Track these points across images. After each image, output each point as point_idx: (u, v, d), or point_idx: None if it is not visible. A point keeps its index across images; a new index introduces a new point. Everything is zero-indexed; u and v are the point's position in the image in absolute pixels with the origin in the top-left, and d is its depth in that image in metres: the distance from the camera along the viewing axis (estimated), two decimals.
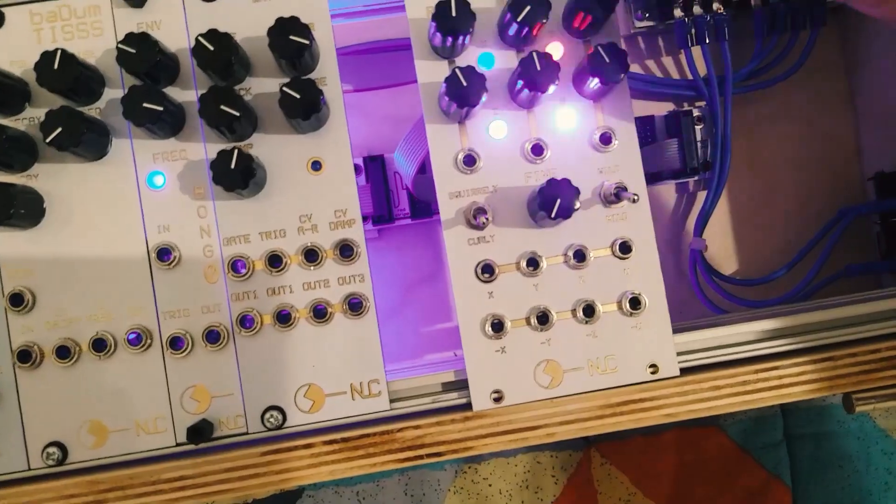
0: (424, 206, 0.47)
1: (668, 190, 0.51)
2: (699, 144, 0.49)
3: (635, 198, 0.32)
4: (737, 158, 0.50)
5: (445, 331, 0.50)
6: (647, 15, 0.47)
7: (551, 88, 0.32)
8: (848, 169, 0.51)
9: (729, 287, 0.48)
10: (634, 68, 0.51)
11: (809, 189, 0.51)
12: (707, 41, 0.47)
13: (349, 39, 0.43)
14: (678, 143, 0.48)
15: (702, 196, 0.50)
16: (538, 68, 0.31)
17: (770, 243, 0.51)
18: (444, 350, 0.50)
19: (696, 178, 0.49)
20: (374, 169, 0.48)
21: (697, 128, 0.49)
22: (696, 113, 0.49)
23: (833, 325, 0.35)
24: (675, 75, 0.51)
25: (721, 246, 0.51)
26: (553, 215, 0.31)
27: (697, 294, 0.49)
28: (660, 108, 0.50)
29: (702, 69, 0.48)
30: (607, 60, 0.31)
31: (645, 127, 0.48)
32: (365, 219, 0.48)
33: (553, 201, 0.31)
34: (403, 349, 0.50)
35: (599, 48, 0.32)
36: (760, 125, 0.51)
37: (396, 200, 0.48)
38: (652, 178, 0.49)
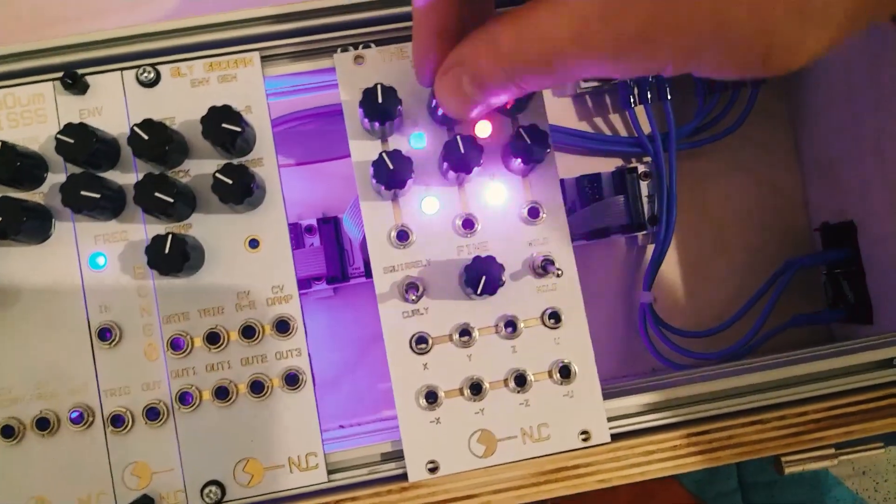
0: None
1: (618, 243, 0.52)
2: (646, 199, 0.50)
3: (559, 273, 0.34)
4: (685, 211, 0.51)
5: None
6: (591, 77, 0.48)
7: (475, 170, 0.33)
8: (795, 220, 0.52)
9: (678, 339, 0.49)
10: (582, 126, 0.52)
11: (757, 240, 0.52)
12: (650, 101, 0.48)
13: (289, 108, 0.44)
14: (625, 199, 0.49)
15: (651, 249, 0.51)
16: (461, 151, 0.32)
17: (720, 294, 0.52)
18: None
19: (644, 232, 0.50)
20: (327, 230, 0.49)
21: (644, 183, 0.50)
22: (641, 169, 0.50)
23: (762, 387, 0.36)
24: (624, 131, 0.52)
25: (671, 297, 0.52)
26: (479, 292, 0.32)
27: (647, 347, 0.50)
28: (608, 164, 0.52)
29: (646, 127, 0.49)
30: (528, 142, 0.33)
31: (592, 184, 0.50)
32: (319, 279, 0.49)
33: (478, 279, 0.32)
34: (361, 405, 0.51)
35: (521, 130, 0.33)
36: (707, 179, 0.52)
37: (351, 259, 0.49)
38: (600, 233, 0.50)
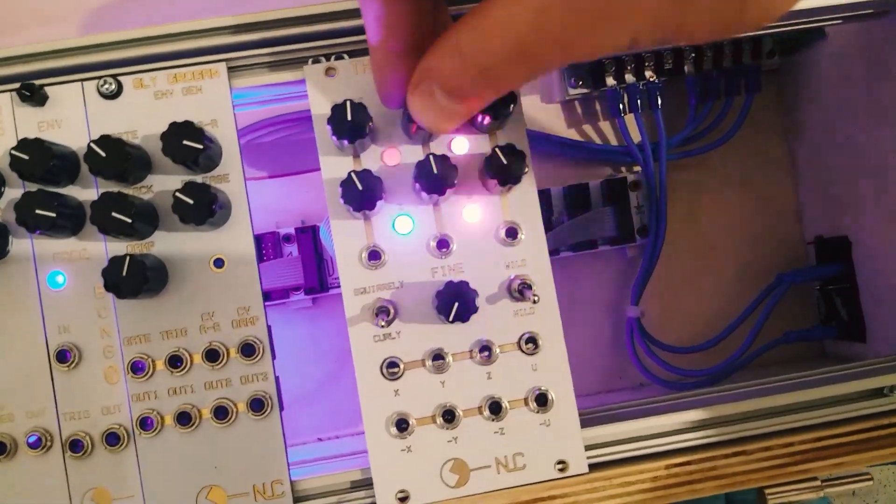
0: None
1: (605, 254, 0.51)
2: (635, 210, 0.49)
3: (535, 299, 0.32)
4: (675, 223, 0.50)
5: None
6: (580, 83, 0.47)
7: (448, 192, 0.31)
8: (788, 233, 0.51)
9: (666, 355, 0.48)
10: (571, 133, 0.51)
11: (749, 253, 0.51)
12: (640, 110, 0.47)
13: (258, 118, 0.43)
14: (611, 210, 0.48)
15: (639, 261, 0.50)
16: (434, 171, 0.31)
17: (709, 308, 0.50)
18: None
19: (633, 244, 0.49)
20: (305, 240, 0.47)
21: (633, 194, 0.49)
22: (631, 178, 0.48)
23: (747, 417, 0.35)
24: (613, 139, 0.51)
25: (660, 311, 0.50)
26: (451, 319, 0.31)
27: (634, 362, 0.48)
28: (597, 174, 0.50)
29: (636, 136, 0.48)
30: (505, 162, 0.31)
31: (580, 194, 0.48)
32: (297, 289, 0.48)
33: (451, 306, 0.31)
34: (340, 418, 0.50)
35: (497, 150, 0.31)
36: (699, 190, 0.51)
37: (330, 269, 0.48)
38: (588, 244, 0.48)
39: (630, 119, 0.47)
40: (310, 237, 0.47)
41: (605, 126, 0.51)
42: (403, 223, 0.34)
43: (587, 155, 0.50)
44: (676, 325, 0.50)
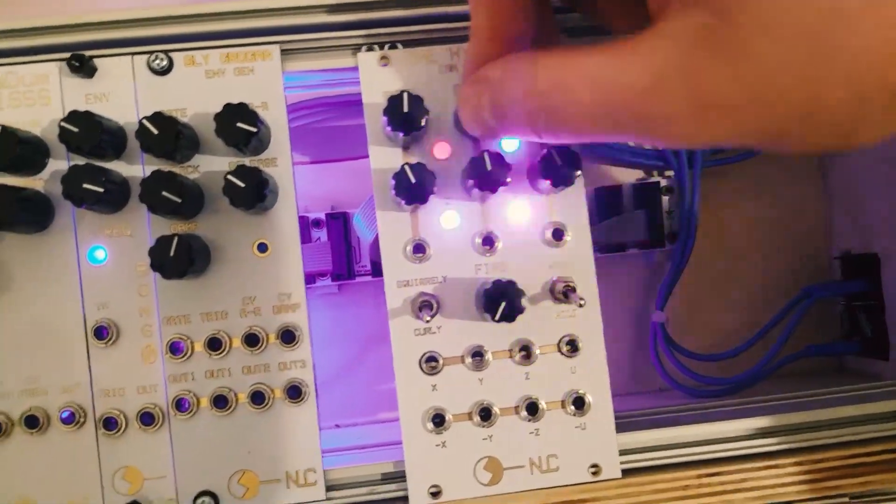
0: None
1: (633, 258, 0.51)
2: (666, 215, 0.49)
3: (582, 303, 0.32)
4: (704, 230, 0.50)
5: None
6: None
7: (501, 189, 0.31)
8: (815, 246, 0.51)
9: (688, 361, 0.48)
10: None
11: (776, 264, 0.51)
12: None
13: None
14: (644, 215, 0.48)
15: (667, 266, 0.50)
16: (488, 168, 0.31)
17: (733, 318, 0.50)
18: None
19: (661, 248, 0.49)
20: (335, 226, 0.47)
21: (665, 198, 0.49)
22: (663, 184, 0.48)
23: (779, 431, 0.35)
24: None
25: (684, 317, 0.50)
26: (497, 319, 0.31)
27: (656, 367, 0.48)
28: (628, 176, 0.50)
29: None
30: (559, 163, 0.31)
31: (612, 197, 0.48)
32: (324, 275, 0.48)
33: (497, 305, 0.31)
34: (359, 406, 0.49)
35: (553, 151, 0.31)
36: (730, 198, 0.51)
37: (358, 257, 0.48)
38: (617, 247, 0.48)
39: None
40: (340, 224, 0.47)
41: None
42: (450, 218, 0.34)
43: (620, 157, 0.49)
44: (700, 332, 0.50)
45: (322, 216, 0.47)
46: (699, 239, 0.49)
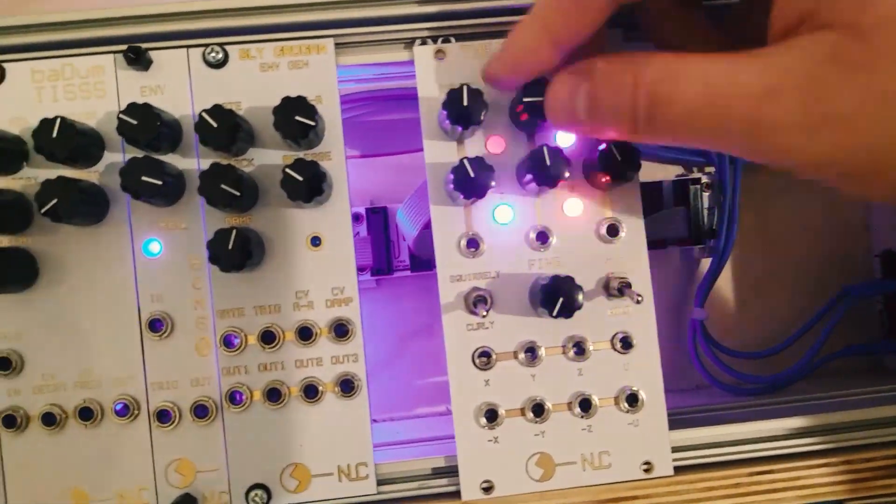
0: (424, 261, 0.47)
1: (672, 254, 0.50)
2: (706, 212, 0.48)
3: (639, 299, 0.32)
4: (744, 228, 0.49)
5: (438, 384, 0.50)
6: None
7: (559, 184, 0.31)
8: (856, 244, 0.51)
9: (727, 359, 0.48)
10: None
11: (816, 262, 0.50)
12: None
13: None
14: (685, 211, 0.48)
15: (706, 263, 0.50)
16: (548, 163, 0.30)
17: (772, 315, 0.50)
18: (436, 403, 0.49)
19: (701, 245, 0.48)
20: (375, 221, 0.47)
21: (705, 195, 0.48)
22: (704, 180, 0.48)
23: (829, 429, 0.35)
24: None
25: (723, 315, 0.50)
26: (555, 314, 0.31)
27: (695, 364, 0.48)
28: (668, 172, 0.50)
29: None
30: (619, 159, 0.31)
31: (653, 193, 0.48)
32: (363, 269, 0.47)
33: (555, 301, 0.31)
34: (395, 400, 0.49)
35: (612, 146, 0.31)
36: (769, 196, 0.50)
37: (397, 252, 0.48)
38: (658, 244, 0.48)
39: None
40: (381, 218, 0.47)
41: None
42: (504, 213, 0.34)
43: (660, 152, 0.49)
44: (739, 329, 0.50)
45: (362, 211, 0.47)
46: (739, 236, 0.48)
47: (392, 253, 0.48)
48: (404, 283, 0.49)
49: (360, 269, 0.48)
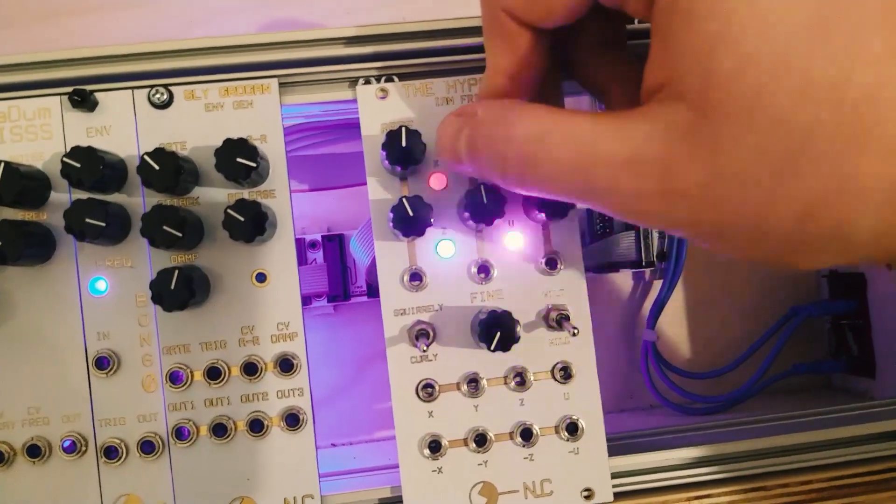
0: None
1: (624, 277, 0.51)
2: (656, 235, 0.49)
3: (575, 331, 0.33)
4: (693, 250, 0.50)
5: None
6: None
7: (496, 221, 0.32)
8: None
9: (678, 379, 0.49)
10: None
11: (764, 283, 0.52)
12: None
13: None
14: (635, 235, 0.49)
15: (657, 285, 0.51)
16: (484, 202, 0.31)
17: (723, 336, 0.51)
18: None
19: (652, 268, 0.49)
20: (331, 248, 0.48)
21: None
22: None
23: (766, 453, 0.36)
24: None
25: (674, 336, 0.51)
26: (493, 348, 0.32)
27: (647, 385, 0.49)
28: None
29: None
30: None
31: (604, 218, 0.49)
32: (320, 296, 0.48)
33: (493, 335, 0.31)
34: (355, 425, 0.50)
35: None
36: None
37: (353, 278, 0.49)
38: (609, 267, 0.49)
39: None
40: (336, 245, 0.47)
41: None
42: (446, 247, 0.34)
43: None
44: (689, 350, 0.51)
45: (318, 238, 0.48)
46: (688, 259, 0.49)
47: (349, 279, 0.48)
48: (361, 309, 0.50)
49: (317, 296, 0.48)
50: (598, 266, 0.49)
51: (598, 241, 0.48)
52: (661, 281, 0.49)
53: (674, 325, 0.51)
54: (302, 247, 0.48)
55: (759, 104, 0.19)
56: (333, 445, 0.50)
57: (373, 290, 0.48)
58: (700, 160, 0.20)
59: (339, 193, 0.48)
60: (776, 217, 0.20)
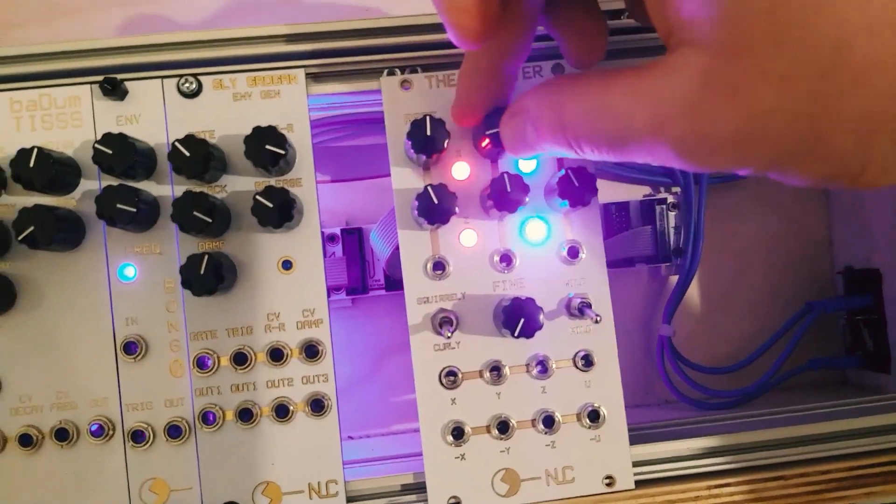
0: (399, 281, 0.48)
1: (640, 272, 0.52)
2: (672, 231, 0.50)
3: (598, 319, 0.33)
4: (709, 245, 0.51)
5: (413, 401, 0.50)
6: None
7: (519, 209, 0.32)
8: (818, 261, 0.52)
9: (694, 374, 0.49)
10: None
11: (779, 279, 0.52)
12: None
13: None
14: (651, 230, 0.49)
15: (673, 280, 0.51)
16: (508, 189, 0.32)
17: (738, 331, 0.52)
18: (411, 420, 0.50)
19: (668, 263, 0.50)
20: (351, 241, 0.48)
21: (671, 214, 0.50)
22: (670, 200, 0.50)
23: (786, 443, 0.36)
24: None
25: (689, 331, 0.51)
26: (516, 335, 0.32)
27: (663, 379, 0.49)
28: (635, 192, 0.51)
29: None
30: (576, 184, 0.32)
31: (620, 213, 0.49)
32: (339, 289, 0.49)
33: (516, 322, 0.32)
34: (372, 418, 0.50)
35: (569, 172, 0.32)
36: (734, 214, 0.52)
37: (372, 271, 0.49)
38: (625, 262, 0.49)
39: None
40: (356, 239, 0.48)
41: None
42: (468, 237, 0.35)
43: (627, 173, 0.51)
44: (705, 345, 0.51)
45: (337, 231, 0.48)
46: (704, 254, 0.50)
47: (367, 273, 0.49)
48: (379, 303, 0.50)
49: (336, 289, 0.49)
50: (614, 261, 0.49)
51: (614, 235, 0.49)
52: (677, 276, 0.49)
53: (689, 321, 0.51)
54: (322, 240, 0.48)
55: (787, 34, 0.19)
56: (350, 438, 0.50)
57: (391, 284, 0.48)
58: (727, 102, 0.20)
59: (358, 187, 0.49)
60: (828, 136, 0.20)
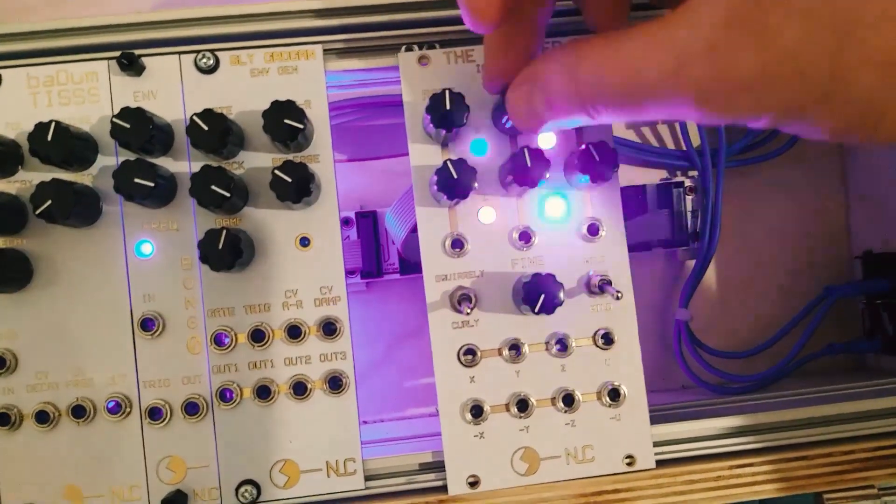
0: (413, 264, 0.48)
1: (657, 256, 0.51)
2: (689, 215, 0.49)
3: (619, 295, 0.33)
4: (726, 230, 0.50)
5: (427, 385, 0.50)
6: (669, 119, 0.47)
7: (540, 184, 0.32)
8: (836, 246, 0.52)
9: (711, 359, 0.49)
10: (630, 135, 0.51)
11: (797, 264, 0.51)
12: None
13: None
14: (669, 214, 0.49)
15: (690, 265, 0.51)
16: (528, 164, 0.31)
17: (756, 316, 0.51)
18: (425, 405, 0.50)
19: (685, 247, 0.49)
20: (365, 224, 0.48)
21: (689, 198, 0.49)
22: (687, 183, 0.49)
23: (809, 423, 0.36)
24: (671, 143, 0.51)
25: (707, 316, 0.51)
26: (536, 311, 0.32)
27: (680, 364, 0.49)
28: (652, 176, 0.51)
29: (696, 140, 0.48)
30: (597, 159, 0.32)
31: (637, 196, 0.49)
32: (353, 272, 0.48)
33: (537, 297, 0.31)
34: (386, 402, 0.50)
35: (590, 147, 0.32)
36: (752, 198, 0.51)
37: (386, 255, 0.49)
38: (642, 246, 0.49)
39: (691, 124, 0.48)
40: (370, 222, 0.47)
41: (664, 129, 0.51)
42: (487, 214, 0.34)
43: (645, 157, 0.50)
44: (723, 330, 0.51)
45: (352, 215, 0.48)
46: (722, 238, 0.49)
47: (381, 256, 0.49)
48: (394, 286, 0.50)
49: (350, 273, 0.48)
50: (632, 245, 0.48)
51: (631, 219, 0.48)
52: (694, 260, 0.49)
53: (707, 305, 0.51)
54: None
55: None
56: (365, 423, 0.50)
57: (405, 267, 0.48)
58: (751, 42, 0.20)
59: (374, 171, 0.48)
60: (850, 79, 0.19)
